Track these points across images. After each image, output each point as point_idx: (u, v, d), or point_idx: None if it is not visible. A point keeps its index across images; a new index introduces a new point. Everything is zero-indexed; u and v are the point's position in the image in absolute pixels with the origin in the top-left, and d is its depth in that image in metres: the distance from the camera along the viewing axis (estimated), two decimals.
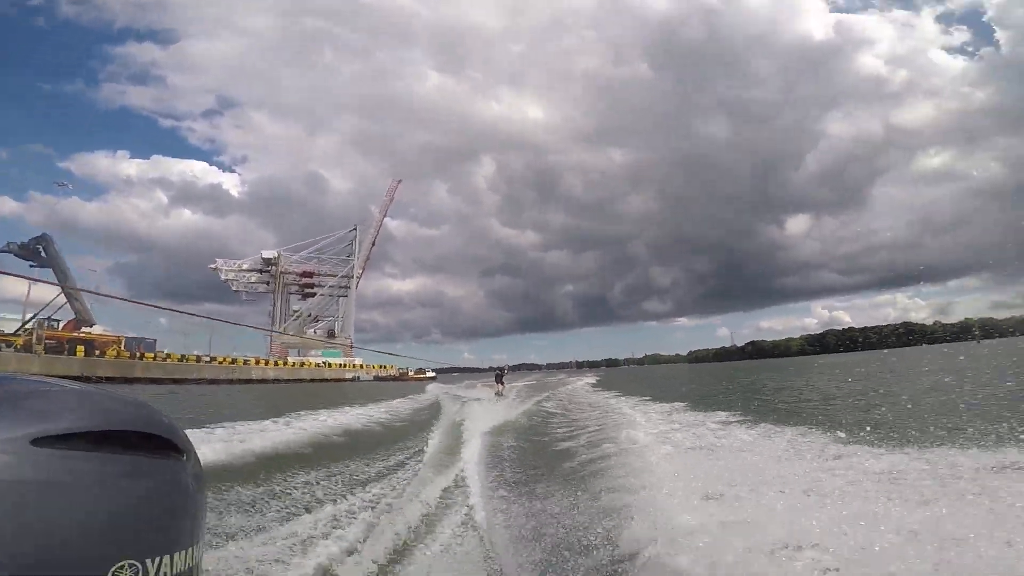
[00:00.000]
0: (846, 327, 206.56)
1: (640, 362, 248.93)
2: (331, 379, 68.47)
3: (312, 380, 63.25)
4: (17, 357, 40.19)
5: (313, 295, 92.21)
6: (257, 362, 62.28)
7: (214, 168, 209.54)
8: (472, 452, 7.97)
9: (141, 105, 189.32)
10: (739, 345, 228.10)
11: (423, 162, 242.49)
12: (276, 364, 67.07)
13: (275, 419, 10.19)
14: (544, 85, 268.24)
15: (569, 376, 47.56)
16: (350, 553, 3.95)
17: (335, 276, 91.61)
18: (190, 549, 0.80)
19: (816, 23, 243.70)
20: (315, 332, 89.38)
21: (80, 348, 45.15)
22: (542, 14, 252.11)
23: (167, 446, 0.80)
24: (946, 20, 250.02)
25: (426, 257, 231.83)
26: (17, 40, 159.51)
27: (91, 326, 51.11)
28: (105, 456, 0.70)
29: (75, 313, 50.16)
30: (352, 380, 70.14)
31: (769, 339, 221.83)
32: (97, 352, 46.48)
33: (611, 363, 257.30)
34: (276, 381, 56.40)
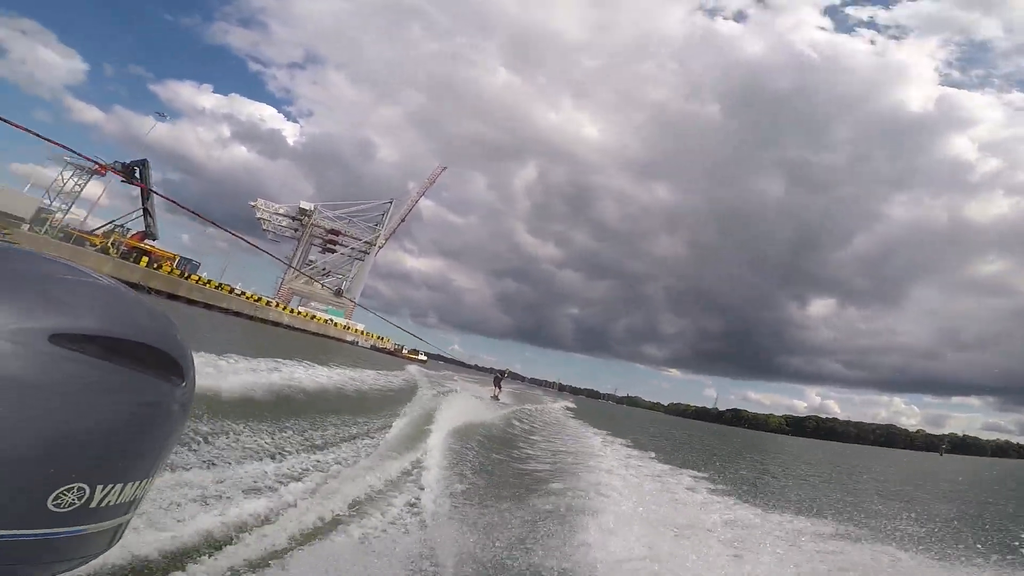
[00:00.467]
0: (831, 416, 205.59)
1: (619, 400, 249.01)
2: (333, 336, 69.88)
3: (316, 334, 65.06)
4: (95, 256, 44.23)
5: (334, 252, 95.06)
6: (277, 306, 65.91)
7: (281, 115, 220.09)
8: (437, 443, 7.75)
9: (239, 47, 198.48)
10: (720, 409, 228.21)
11: (470, 151, 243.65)
12: (291, 312, 69.90)
13: (282, 360, 9.98)
14: (607, 105, 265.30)
15: (546, 395, 48.78)
16: (288, 507, 3.97)
17: (359, 240, 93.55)
18: (143, 482, 0.76)
19: (918, 94, 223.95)
20: (322, 286, 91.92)
21: (144, 259, 49.16)
22: (627, 34, 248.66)
23: (173, 368, 0.78)
24: None
25: (446, 241, 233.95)
26: None
27: (155, 240, 54.79)
28: (115, 367, 0.67)
29: (146, 227, 53.93)
30: (351, 343, 71.61)
31: (750, 411, 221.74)
32: (155, 265, 50.29)
33: (592, 394, 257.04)
34: (288, 327, 59.35)
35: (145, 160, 56.86)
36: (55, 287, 0.65)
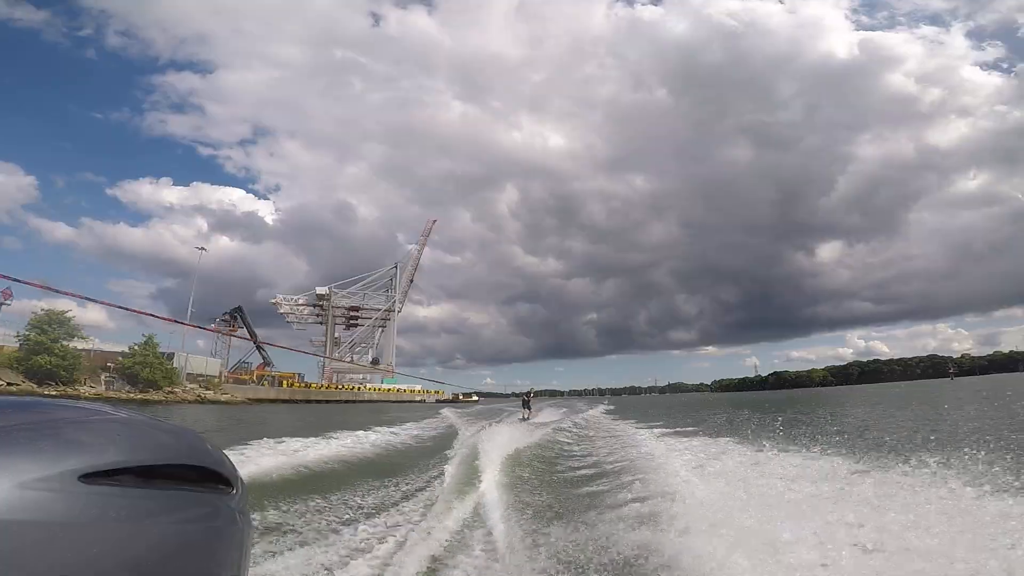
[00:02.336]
0: (873, 359, 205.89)
1: (663, 390, 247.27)
2: (407, 401, 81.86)
3: (399, 401, 79.13)
4: (254, 388, 64.19)
5: (357, 325, 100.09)
6: (368, 388, 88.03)
7: (250, 196, 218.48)
8: (490, 481, 7.83)
9: (181, 133, 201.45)
10: (763, 375, 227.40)
11: (446, 189, 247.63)
12: (375, 389, 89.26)
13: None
14: (565, 112, 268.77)
15: (584, 403, 48.89)
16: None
17: (378, 310, 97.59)
18: None
19: (840, 42, 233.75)
20: (358, 359, 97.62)
21: (284, 382, 73.19)
22: (561, 42, 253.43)
23: (215, 478, 0.78)
24: (977, 36, 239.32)
25: (449, 284, 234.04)
26: (70, 70, 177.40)
27: (271, 366, 76.35)
28: (154, 492, 0.66)
29: (263, 359, 76.22)
30: (420, 402, 79.37)
31: (794, 369, 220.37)
32: (282, 383, 73.12)
33: (633, 391, 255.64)
34: (379, 401, 77.46)
35: (240, 307, 79.28)
36: (71, 428, 0.66)
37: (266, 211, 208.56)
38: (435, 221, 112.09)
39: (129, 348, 52.15)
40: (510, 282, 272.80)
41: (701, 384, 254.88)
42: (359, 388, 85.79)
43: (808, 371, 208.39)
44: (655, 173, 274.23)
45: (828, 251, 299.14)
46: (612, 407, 39.36)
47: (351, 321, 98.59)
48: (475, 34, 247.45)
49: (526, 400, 26.92)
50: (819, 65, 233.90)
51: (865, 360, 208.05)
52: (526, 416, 24.57)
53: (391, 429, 17.14)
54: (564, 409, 33.81)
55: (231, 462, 0.83)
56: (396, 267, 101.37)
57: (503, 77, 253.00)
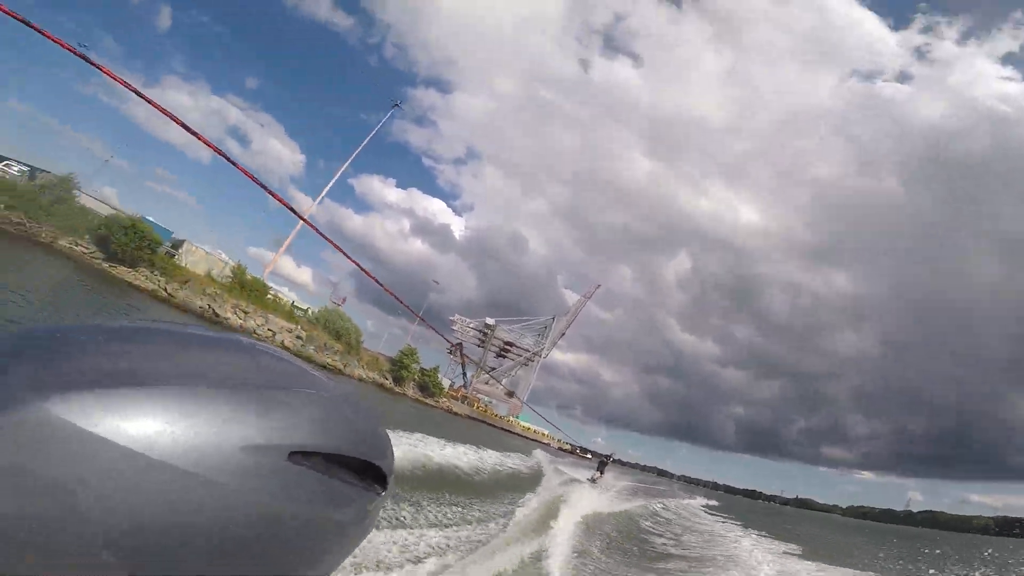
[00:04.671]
0: None
1: (785, 502, 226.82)
2: (538, 440, 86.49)
3: (534, 439, 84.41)
4: (460, 404, 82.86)
5: (505, 358, 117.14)
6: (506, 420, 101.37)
7: (449, 209, 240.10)
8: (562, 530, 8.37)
9: (417, 144, 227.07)
10: (912, 511, 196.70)
11: (615, 243, 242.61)
12: (511, 422, 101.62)
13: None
14: (765, 187, 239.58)
15: (684, 491, 46.23)
16: None
17: (528, 351, 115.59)
18: None
19: None
20: (492, 385, 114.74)
21: (476, 404, 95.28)
22: (774, 112, 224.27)
23: (380, 480, 0.78)
24: None
25: (593, 335, 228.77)
26: (357, 74, 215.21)
27: (468, 387, 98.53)
28: (330, 480, 0.68)
29: (464, 382, 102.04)
30: (548, 444, 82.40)
31: (967, 513, 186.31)
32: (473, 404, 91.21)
33: (750, 494, 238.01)
34: (513, 433, 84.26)
35: (460, 343, 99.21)
36: (296, 404, 0.67)
37: (458, 226, 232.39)
38: (599, 286, 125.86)
39: (396, 355, 68.16)
40: (657, 351, 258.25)
41: (833, 506, 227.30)
42: (504, 417, 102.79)
43: (971, 516, 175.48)
44: (862, 274, 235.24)
45: None
46: (714, 503, 36.75)
47: (503, 352, 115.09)
48: (677, 93, 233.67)
49: (604, 462, 26.80)
50: None
51: None
52: (596, 477, 24.43)
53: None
54: (643, 485, 33.13)
55: (393, 466, 0.85)
56: (553, 318, 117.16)
57: (700, 140, 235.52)
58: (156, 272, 39.02)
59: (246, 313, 44.97)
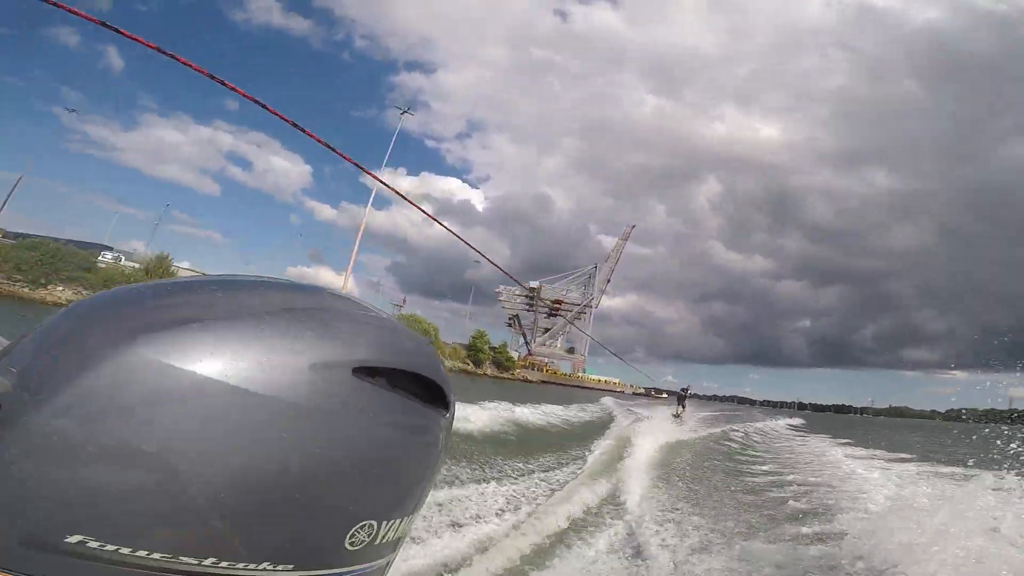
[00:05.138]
0: None
1: (878, 412, 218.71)
2: (615, 390, 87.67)
3: (609, 390, 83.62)
4: (534, 372, 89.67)
5: (557, 315, 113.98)
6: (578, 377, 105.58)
7: (466, 185, 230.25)
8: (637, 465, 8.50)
9: (413, 129, 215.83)
10: (1017, 408, 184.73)
11: (640, 183, 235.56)
12: (581, 377, 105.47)
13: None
14: (778, 106, 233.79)
15: (765, 414, 44.78)
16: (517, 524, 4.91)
17: (577, 304, 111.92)
18: (412, 516, 0.76)
19: None
20: (551, 343, 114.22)
21: (546, 368, 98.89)
22: (768, 35, 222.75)
23: (439, 397, 0.78)
24: None
25: (637, 275, 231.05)
26: (332, 71, 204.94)
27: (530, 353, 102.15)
28: (396, 395, 0.69)
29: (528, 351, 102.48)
30: (622, 392, 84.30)
31: None
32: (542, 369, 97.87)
33: (841, 409, 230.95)
34: (597, 388, 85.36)
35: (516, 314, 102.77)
36: (352, 323, 0.70)
37: (477, 199, 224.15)
38: (633, 227, 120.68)
39: (470, 341, 76.39)
40: (705, 279, 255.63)
41: (933, 411, 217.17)
42: (571, 375, 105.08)
43: None
44: (903, 171, 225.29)
45: None
46: (800, 422, 35.02)
47: (553, 311, 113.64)
48: (664, 29, 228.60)
49: (682, 396, 26.83)
50: None
51: None
52: (679, 412, 24.55)
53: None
54: (724, 414, 32.85)
55: (448, 383, 0.84)
56: (596, 267, 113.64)
57: (700, 71, 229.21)
58: None
59: None
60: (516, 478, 7.15)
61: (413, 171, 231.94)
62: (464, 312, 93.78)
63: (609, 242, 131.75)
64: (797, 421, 35.27)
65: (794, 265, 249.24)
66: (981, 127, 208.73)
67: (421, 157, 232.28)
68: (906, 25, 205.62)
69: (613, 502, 6.40)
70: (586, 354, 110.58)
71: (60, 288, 41.04)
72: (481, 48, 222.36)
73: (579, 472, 8.04)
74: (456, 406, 0.83)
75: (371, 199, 76.60)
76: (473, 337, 73.82)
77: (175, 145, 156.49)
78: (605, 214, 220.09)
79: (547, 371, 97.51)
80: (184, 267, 63.51)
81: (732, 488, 8.29)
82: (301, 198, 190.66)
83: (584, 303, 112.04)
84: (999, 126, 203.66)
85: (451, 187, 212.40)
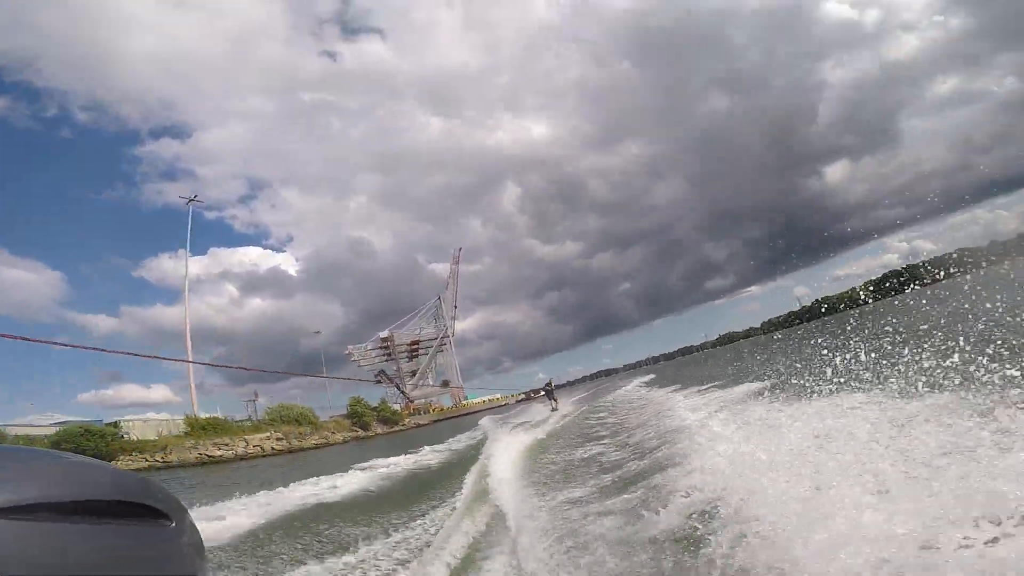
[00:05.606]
0: (911, 264, 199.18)
1: (716, 343, 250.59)
2: (498, 406, 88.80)
3: (491, 408, 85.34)
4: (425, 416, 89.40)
5: (417, 355, 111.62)
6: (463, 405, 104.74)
7: (268, 251, 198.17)
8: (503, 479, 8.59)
9: (179, 203, 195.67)
10: (806, 304, 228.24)
11: (448, 202, 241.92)
12: (466, 405, 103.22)
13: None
14: (539, 104, 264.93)
15: (621, 379, 49.18)
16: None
17: (434, 339, 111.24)
18: None
19: None
20: (423, 383, 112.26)
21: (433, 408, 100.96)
22: (514, 41, 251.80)
23: (149, 512, 0.75)
24: None
25: (476, 292, 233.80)
26: (51, 153, 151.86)
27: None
28: (76, 527, 0.64)
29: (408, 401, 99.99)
30: (505, 404, 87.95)
31: (837, 292, 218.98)
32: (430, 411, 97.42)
33: (686, 351, 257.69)
34: (482, 411, 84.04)
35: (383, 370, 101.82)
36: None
37: (287, 263, 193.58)
38: (460, 249, 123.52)
39: (348, 409, 74.21)
40: (534, 275, 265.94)
41: (751, 329, 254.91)
42: (455, 406, 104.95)
43: (845, 292, 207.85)
44: (642, 139, 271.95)
45: (837, 171, 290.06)
46: (649, 377, 38.63)
47: (412, 353, 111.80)
48: (431, 53, 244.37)
49: (548, 391, 28.52)
50: (757, 8, 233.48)
51: (901, 267, 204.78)
52: (554, 407, 25.85)
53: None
54: (590, 392, 36.26)
55: (169, 496, 0.82)
56: (439, 297, 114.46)
57: (470, 86, 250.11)
58: (135, 454, 47.15)
59: (227, 444, 52.55)
60: (394, 531, 6.95)
61: (199, 249, 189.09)
62: (320, 383, 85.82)
63: (442, 268, 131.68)
64: (647, 378, 37.57)
65: (598, 240, 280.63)
66: (681, 90, 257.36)
67: (204, 231, 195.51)
68: (608, 10, 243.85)
69: (486, 531, 6.15)
70: (461, 382, 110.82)
71: None
72: (238, 101, 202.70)
73: (452, 510, 7.76)
74: (187, 511, 0.82)
75: (187, 298, 69.23)
76: (350, 404, 72.41)
77: None
78: (427, 241, 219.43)
79: (434, 410, 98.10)
80: None
81: (592, 471, 8.22)
82: (63, 313, 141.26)
83: (440, 335, 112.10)
84: (692, 87, 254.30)
85: (250, 257, 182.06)
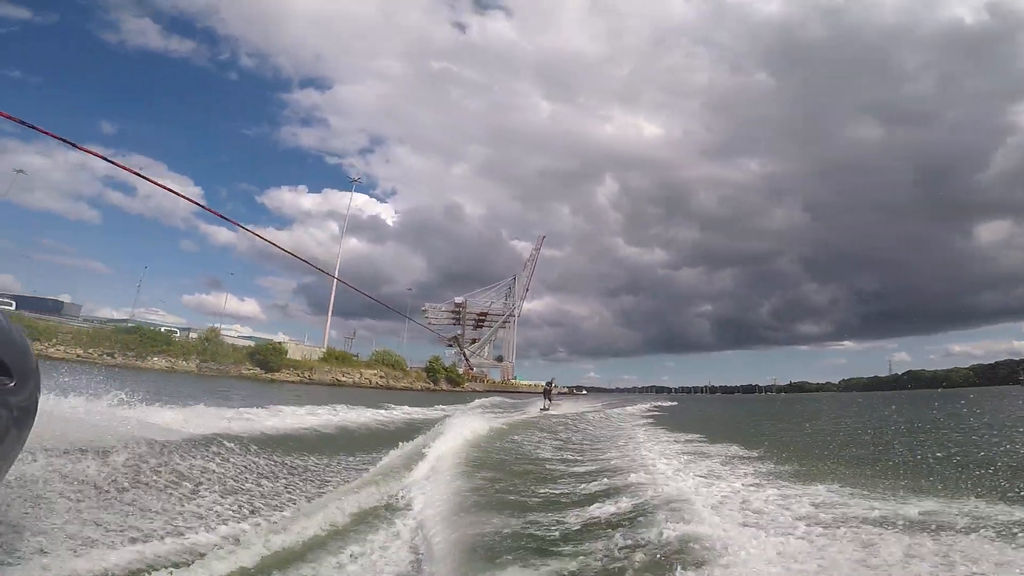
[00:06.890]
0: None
1: (781, 389, 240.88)
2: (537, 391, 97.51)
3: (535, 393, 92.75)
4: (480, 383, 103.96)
5: (481, 325, 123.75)
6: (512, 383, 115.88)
7: (373, 200, 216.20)
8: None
9: (311, 144, 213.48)
10: (897, 373, 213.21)
11: (544, 185, 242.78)
12: (511, 382, 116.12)
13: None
14: (657, 103, 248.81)
15: (645, 400, 48.31)
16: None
17: (501, 315, 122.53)
18: None
19: (963, 9, 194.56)
20: (481, 352, 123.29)
21: (487, 379, 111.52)
22: (641, 35, 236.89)
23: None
24: None
25: (549, 277, 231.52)
26: (220, 91, 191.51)
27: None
28: None
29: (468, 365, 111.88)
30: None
31: (943, 368, 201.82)
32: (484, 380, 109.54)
33: (748, 389, 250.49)
34: (519, 392, 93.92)
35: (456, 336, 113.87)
36: None
37: (387, 214, 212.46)
38: (544, 237, 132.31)
39: (426, 365, 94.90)
40: (612, 273, 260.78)
41: (828, 383, 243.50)
42: (504, 381, 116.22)
43: (948, 370, 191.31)
44: (769, 157, 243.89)
45: (992, 231, 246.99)
46: (674, 404, 38.62)
47: (479, 323, 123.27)
48: (552, 35, 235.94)
49: (547, 390, 28.63)
50: (946, 33, 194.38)
51: (1017, 359, 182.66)
52: (546, 406, 25.83)
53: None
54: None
55: (24, 356, 0.76)
56: (514, 277, 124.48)
57: (587, 74, 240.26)
58: (291, 369, 68.41)
59: (348, 374, 75.11)
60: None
61: (315, 188, 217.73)
62: (389, 329, 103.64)
63: (522, 247, 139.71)
64: (668, 403, 38.70)
65: (690, 253, 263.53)
66: (824, 110, 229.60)
67: (323, 173, 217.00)
68: (753, 17, 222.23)
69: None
70: (513, 361, 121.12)
71: (155, 359, 60.04)
72: (378, 62, 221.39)
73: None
74: (39, 372, 0.98)
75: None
76: (430, 362, 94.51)
77: (44, 170, 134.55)
78: (515, 217, 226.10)
79: (487, 382, 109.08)
80: (66, 300, 79.25)
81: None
82: (194, 222, 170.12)
83: (508, 312, 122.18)
84: (838, 108, 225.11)
85: (357, 202, 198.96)
